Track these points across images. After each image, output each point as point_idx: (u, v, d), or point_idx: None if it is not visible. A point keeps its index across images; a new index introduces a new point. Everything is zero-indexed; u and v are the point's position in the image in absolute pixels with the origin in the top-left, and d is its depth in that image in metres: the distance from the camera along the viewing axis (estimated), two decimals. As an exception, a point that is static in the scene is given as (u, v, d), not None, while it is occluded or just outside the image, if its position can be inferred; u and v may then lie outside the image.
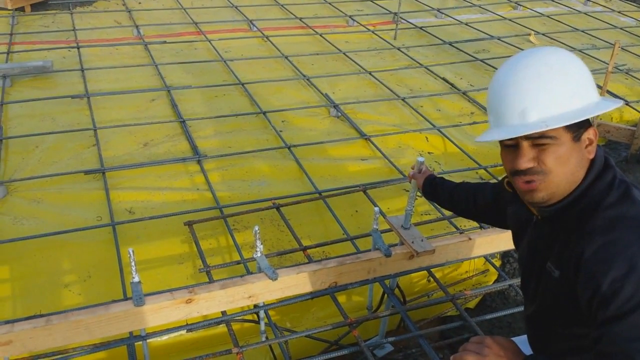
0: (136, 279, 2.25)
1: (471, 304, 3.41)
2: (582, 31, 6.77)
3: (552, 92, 1.34)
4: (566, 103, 1.33)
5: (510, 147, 1.41)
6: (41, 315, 2.40)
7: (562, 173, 1.36)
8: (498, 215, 1.92)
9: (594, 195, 1.38)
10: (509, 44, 6.21)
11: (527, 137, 1.36)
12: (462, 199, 2.15)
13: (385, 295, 2.76)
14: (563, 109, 1.33)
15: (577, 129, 1.36)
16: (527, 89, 1.35)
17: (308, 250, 2.96)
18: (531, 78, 1.35)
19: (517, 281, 2.75)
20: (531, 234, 1.60)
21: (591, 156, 1.40)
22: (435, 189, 2.28)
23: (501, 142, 1.44)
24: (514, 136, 1.35)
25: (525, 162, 1.37)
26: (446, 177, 3.80)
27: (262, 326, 2.58)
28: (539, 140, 1.35)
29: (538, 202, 1.43)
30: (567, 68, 1.36)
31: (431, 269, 2.81)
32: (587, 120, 1.38)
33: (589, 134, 1.39)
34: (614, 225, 1.32)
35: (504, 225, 1.92)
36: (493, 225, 2.21)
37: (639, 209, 1.34)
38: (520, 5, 7.62)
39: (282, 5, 7.08)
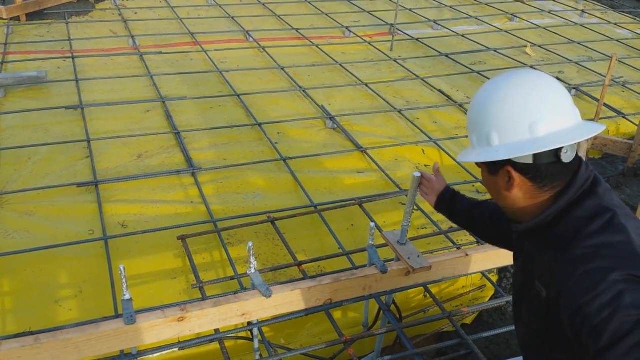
0: (127, 297, 2.21)
1: (468, 320, 3.37)
2: (578, 43, 6.78)
3: (474, 129, 1.46)
4: (481, 140, 1.44)
5: None
6: (30, 333, 2.36)
7: (497, 200, 1.51)
8: (497, 233, 1.91)
9: (572, 222, 1.37)
10: (505, 55, 6.21)
11: None
12: (484, 216, 1.99)
13: (381, 311, 2.72)
14: (478, 145, 1.45)
15: (490, 163, 1.43)
16: (471, 119, 1.51)
17: (303, 265, 2.93)
18: (476, 107, 1.48)
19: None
20: (525, 250, 1.59)
21: (508, 192, 1.43)
22: (454, 203, 2.09)
23: None
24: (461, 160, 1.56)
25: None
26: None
27: (256, 344, 2.54)
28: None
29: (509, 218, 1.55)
30: (497, 105, 1.40)
31: (427, 285, 2.78)
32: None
33: (509, 170, 1.40)
34: (596, 254, 1.30)
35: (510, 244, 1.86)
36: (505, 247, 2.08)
37: (623, 236, 1.32)
38: (517, 17, 7.63)
39: (278, 16, 7.08)
